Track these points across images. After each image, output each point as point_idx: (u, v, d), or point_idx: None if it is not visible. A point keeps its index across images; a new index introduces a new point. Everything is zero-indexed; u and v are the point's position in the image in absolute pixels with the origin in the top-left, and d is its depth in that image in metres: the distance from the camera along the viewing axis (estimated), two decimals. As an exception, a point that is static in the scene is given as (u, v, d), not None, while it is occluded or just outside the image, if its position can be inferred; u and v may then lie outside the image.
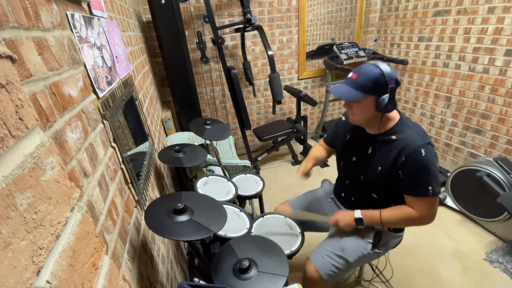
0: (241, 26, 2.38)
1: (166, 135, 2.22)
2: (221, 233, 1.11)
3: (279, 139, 2.84)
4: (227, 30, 2.53)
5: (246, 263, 0.81)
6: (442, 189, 2.20)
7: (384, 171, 1.05)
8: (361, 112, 1.03)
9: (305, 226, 1.29)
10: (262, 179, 1.60)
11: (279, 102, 2.50)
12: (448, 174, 2.13)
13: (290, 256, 1.10)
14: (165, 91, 2.81)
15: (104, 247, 0.45)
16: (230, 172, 1.96)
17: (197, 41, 2.47)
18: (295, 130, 2.77)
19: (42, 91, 0.47)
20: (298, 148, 3.15)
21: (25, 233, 0.28)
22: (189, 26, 2.64)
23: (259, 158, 2.86)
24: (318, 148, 1.38)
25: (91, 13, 0.83)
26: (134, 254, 0.80)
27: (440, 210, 2.04)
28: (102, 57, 0.84)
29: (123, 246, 0.72)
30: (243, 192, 1.49)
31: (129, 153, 0.94)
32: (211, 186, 1.45)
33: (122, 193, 0.81)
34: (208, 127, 1.53)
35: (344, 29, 3.23)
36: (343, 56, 2.89)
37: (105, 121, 0.76)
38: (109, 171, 0.73)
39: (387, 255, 1.29)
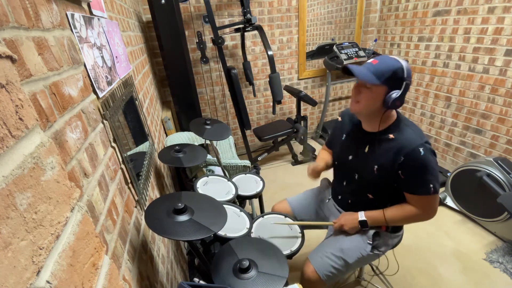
0: (241, 26, 2.38)
1: (166, 135, 2.22)
2: (221, 233, 1.11)
3: (279, 139, 2.84)
4: (227, 30, 2.53)
5: (246, 263, 0.81)
6: (442, 189, 2.20)
7: (381, 171, 1.05)
8: (367, 101, 1.00)
9: (305, 225, 1.29)
10: (262, 179, 1.60)
11: (279, 102, 2.50)
12: (448, 174, 2.13)
13: (290, 256, 1.10)
14: (165, 91, 2.81)
15: (104, 247, 0.45)
16: (230, 172, 1.96)
17: (197, 41, 2.47)
18: (295, 130, 2.77)
19: (42, 91, 0.47)
20: (298, 148, 3.15)
21: (25, 233, 0.28)
22: (189, 26, 2.64)
23: (259, 158, 2.86)
24: (324, 152, 1.40)
25: (91, 13, 0.83)
26: (134, 254, 0.80)
27: (440, 210, 2.03)
28: (102, 57, 0.84)
29: (123, 246, 0.72)
30: (243, 192, 1.49)
31: (129, 153, 0.94)
32: (211, 186, 1.45)
33: (122, 193, 0.81)
34: (208, 127, 1.53)
35: (344, 29, 3.22)
36: (343, 56, 2.89)
37: (105, 121, 0.76)
38: (109, 171, 0.73)
39: (393, 252, 1.29)
